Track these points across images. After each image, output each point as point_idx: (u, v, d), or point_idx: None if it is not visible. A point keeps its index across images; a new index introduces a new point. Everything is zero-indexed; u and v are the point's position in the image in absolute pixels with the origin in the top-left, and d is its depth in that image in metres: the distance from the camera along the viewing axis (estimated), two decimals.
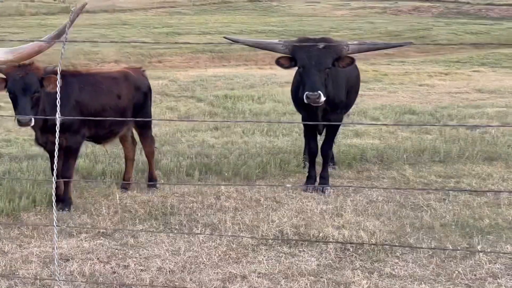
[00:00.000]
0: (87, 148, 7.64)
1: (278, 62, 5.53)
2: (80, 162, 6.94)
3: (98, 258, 4.26)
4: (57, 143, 2.68)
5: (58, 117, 2.48)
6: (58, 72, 2.64)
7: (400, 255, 4.27)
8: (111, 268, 4.10)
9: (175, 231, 4.72)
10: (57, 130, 2.63)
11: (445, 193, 5.76)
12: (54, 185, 3.13)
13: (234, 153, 7.32)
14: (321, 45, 5.32)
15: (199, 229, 4.80)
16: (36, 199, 5.51)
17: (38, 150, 6.17)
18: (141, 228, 4.84)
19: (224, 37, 6.06)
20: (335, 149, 7.43)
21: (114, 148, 7.22)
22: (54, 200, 2.46)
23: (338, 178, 6.49)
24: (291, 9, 46.72)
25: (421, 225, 4.90)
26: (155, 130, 9.34)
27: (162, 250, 4.40)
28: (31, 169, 6.63)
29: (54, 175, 2.71)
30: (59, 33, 3.39)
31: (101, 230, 4.80)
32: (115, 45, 27.62)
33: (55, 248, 2.74)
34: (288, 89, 6.68)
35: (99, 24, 37.20)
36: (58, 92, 2.62)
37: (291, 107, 7.67)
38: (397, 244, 4.32)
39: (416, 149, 7.55)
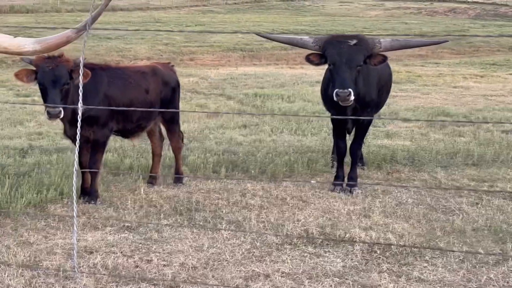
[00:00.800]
0: (115, 142, 7.70)
1: (308, 59, 5.42)
2: (109, 156, 6.98)
3: (121, 252, 4.23)
4: (78, 132, 2.66)
5: (80, 107, 2.41)
6: (81, 61, 2.58)
7: (429, 259, 4.12)
8: (134, 262, 4.07)
9: (199, 227, 4.67)
10: (79, 120, 2.57)
11: (478, 197, 5.58)
12: (74, 177, 3.05)
13: (261, 151, 7.25)
14: (352, 42, 5.20)
15: (224, 225, 4.73)
16: (63, 191, 5.54)
17: (68, 143, 6.20)
18: (165, 223, 4.80)
19: (255, 33, 5.99)
20: (364, 150, 7.29)
21: (142, 143, 7.25)
22: (74, 191, 2.42)
23: (366, 179, 6.35)
24: (324, 8, 46.53)
25: (452, 229, 4.73)
26: (183, 127, 9.35)
27: (185, 246, 4.35)
28: (61, 161, 6.68)
29: (76, 165, 2.65)
30: (86, 25, 3.37)
31: (126, 224, 4.79)
32: (147, 42, 27.92)
33: (75, 240, 2.70)
34: (318, 88, 6.57)
35: (132, 22, 37.68)
36: (81, 82, 2.55)
37: (321, 106, 7.56)
38: (426, 247, 4.17)
39: (449, 152, 7.36)
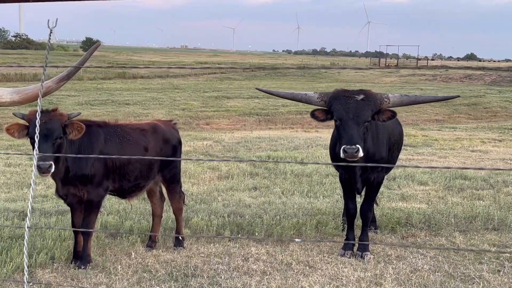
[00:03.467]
0: (119, 204, 7.44)
1: (313, 115, 5.17)
2: (109, 218, 6.70)
3: None
4: (33, 181, 2.34)
5: (35, 155, 2.15)
6: (38, 111, 2.33)
7: None
8: None
9: None
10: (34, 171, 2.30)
11: (500, 264, 5.12)
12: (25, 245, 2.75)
13: (269, 213, 6.91)
14: (359, 97, 4.96)
15: None
16: (55, 255, 5.24)
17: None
18: None
19: (257, 88, 5.80)
20: (377, 212, 6.91)
21: (147, 204, 6.97)
22: (26, 256, 2.11)
23: (379, 244, 5.93)
24: (340, 75, 47.14)
25: None
26: (193, 189, 9.10)
27: None
28: (59, 224, 6.42)
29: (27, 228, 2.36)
30: (68, 75, 3.18)
31: None
32: (165, 108, 28.24)
33: None
34: None
35: (151, 89, 38.39)
36: (38, 128, 2.30)
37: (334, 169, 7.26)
38: None
39: (468, 215, 6.93)
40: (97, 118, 7.32)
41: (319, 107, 5.16)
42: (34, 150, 1.98)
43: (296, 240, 2.49)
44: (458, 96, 5.51)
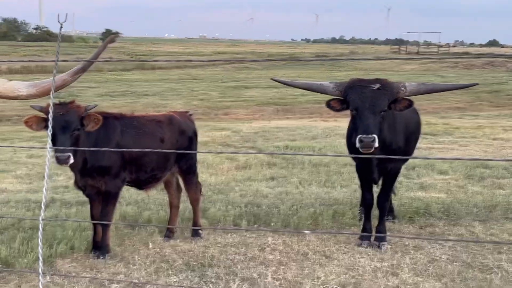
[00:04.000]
0: (138, 195, 7.51)
1: (328, 105, 5.13)
2: (128, 208, 6.77)
3: None
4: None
5: (49, 148, 2.18)
6: (51, 104, 2.34)
7: None
8: None
9: (210, 285, 4.32)
10: None
11: None
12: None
13: (286, 204, 6.91)
14: (375, 86, 4.91)
15: (236, 283, 4.37)
16: (75, 245, 5.32)
17: None
18: (174, 280, 4.48)
19: (272, 79, 5.78)
20: (395, 202, 6.86)
21: (166, 195, 7.03)
22: (40, 248, 2.14)
23: (397, 233, 5.90)
24: (359, 63, 46.65)
25: None
26: (211, 179, 9.14)
27: None
28: (79, 214, 6.51)
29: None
30: (83, 68, 3.21)
31: (134, 281, 4.49)
32: (183, 98, 28.36)
33: None
34: None
35: (170, 79, 38.57)
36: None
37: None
38: None
39: (488, 205, 6.85)
40: (116, 110, 7.37)
41: (334, 97, 5.12)
42: (48, 143, 2.00)
43: (306, 231, 2.48)
44: (477, 84, 5.43)
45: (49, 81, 3.64)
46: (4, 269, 4.67)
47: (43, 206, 2.11)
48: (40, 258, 1.99)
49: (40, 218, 1.99)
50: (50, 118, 2.20)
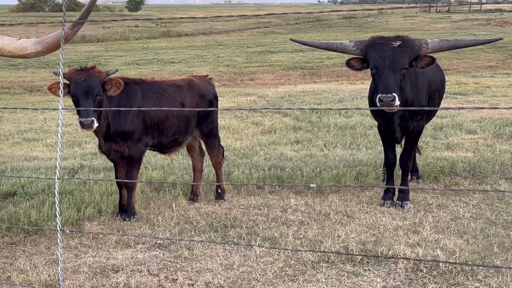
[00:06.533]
0: (164, 160, 7.62)
1: (348, 64, 5.07)
2: (154, 173, 6.89)
3: (148, 270, 4.04)
4: None
5: (61, 108, 2.22)
6: (61, 58, 2.38)
7: (482, 278, 3.63)
8: (159, 281, 3.85)
9: (232, 244, 4.40)
10: None
11: None
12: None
13: (310, 166, 6.92)
14: (396, 44, 4.81)
15: (258, 242, 4.44)
16: (102, 209, 5.46)
17: None
18: (198, 239, 4.57)
19: (291, 39, 5.72)
20: (420, 162, 6.80)
21: (188, 159, 7.12)
22: (57, 205, 2.20)
23: (421, 193, 5.87)
24: (388, 23, 45.70)
25: None
26: (236, 144, 9.20)
27: (215, 264, 4.10)
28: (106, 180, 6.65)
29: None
30: (81, 17, 3.19)
31: (159, 241, 4.60)
32: (209, 65, 28.33)
33: (60, 258, 2.48)
34: None
35: (195, 46, 38.48)
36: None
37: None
38: (479, 264, 3.67)
39: None
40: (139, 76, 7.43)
41: (354, 56, 5.05)
42: (60, 104, 2.05)
43: (311, 185, 2.49)
44: (501, 39, 5.26)
45: (51, 36, 3.66)
46: (24, 227, 4.83)
47: (58, 166, 2.17)
48: (58, 215, 2.05)
49: (56, 177, 2.05)
50: (61, 70, 2.22)
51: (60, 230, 2.19)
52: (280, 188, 6.16)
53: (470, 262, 3.78)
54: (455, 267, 3.73)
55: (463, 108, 2.04)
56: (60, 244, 2.24)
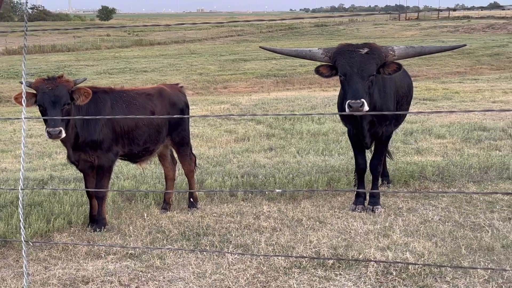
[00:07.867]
0: (136, 170, 7.56)
1: (318, 71, 5.13)
2: (126, 183, 6.83)
3: (119, 281, 3.99)
4: None
5: (24, 118, 2.19)
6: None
7: (450, 279, 3.69)
8: None
9: (204, 253, 4.38)
10: None
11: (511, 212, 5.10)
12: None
13: (282, 173, 6.95)
14: (363, 51, 4.89)
15: (230, 249, 4.44)
16: (72, 220, 5.39)
17: None
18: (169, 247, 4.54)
19: (260, 47, 5.76)
20: (391, 167, 6.90)
21: (161, 168, 7.08)
22: (21, 216, 2.17)
23: (391, 197, 5.95)
24: (359, 31, 46.31)
25: (479, 247, 4.29)
26: (209, 152, 9.18)
27: (187, 273, 4.08)
28: (76, 191, 6.56)
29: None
30: None
31: (130, 251, 4.56)
32: (182, 73, 28.26)
33: (25, 271, 2.45)
34: None
35: (168, 55, 38.35)
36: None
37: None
38: (446, 265, 3.74)
39: (483, 166, 6.88)
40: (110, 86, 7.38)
41: (324, 63, 5.11)
42: (23, 113, 2.03)
43: (277, 190, 2.50)
44: (465, 45, 5.39)
45: None
46: None
47: (21, 176, 2.14)
48: (22, 226, 2.02)
49: (19, 187, 2.02)
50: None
51: (25, 241, 2.16)
52: (253, 195, 6.17)
53: (438, 264, 3.84)
54: (424, 269, 3.79)
55: (421, 112, 2.08)
56: (25, 256, 2.20)
